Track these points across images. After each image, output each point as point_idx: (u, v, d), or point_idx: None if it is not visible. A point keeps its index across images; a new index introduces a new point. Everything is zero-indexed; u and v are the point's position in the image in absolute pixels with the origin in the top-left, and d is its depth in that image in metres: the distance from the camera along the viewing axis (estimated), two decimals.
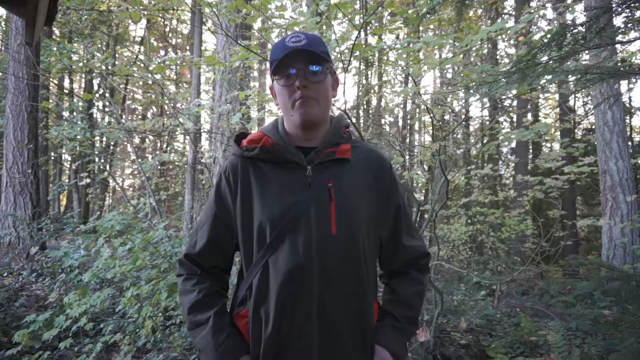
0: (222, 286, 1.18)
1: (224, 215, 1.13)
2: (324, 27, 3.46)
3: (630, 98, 12.71)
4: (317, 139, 1.13)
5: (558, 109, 11.11)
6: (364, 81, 12.29)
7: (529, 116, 10.68)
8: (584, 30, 2.17)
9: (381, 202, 1.15)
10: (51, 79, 10.03)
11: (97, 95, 12.78)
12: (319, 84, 1.08)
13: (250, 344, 1.07)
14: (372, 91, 11.98)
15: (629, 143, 8.32)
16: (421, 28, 10.93)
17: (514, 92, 3.31)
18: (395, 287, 1.19)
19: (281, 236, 1.04)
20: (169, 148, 12.59)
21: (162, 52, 16.69)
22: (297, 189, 1.08)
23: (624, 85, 9.17)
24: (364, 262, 1.08)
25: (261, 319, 1.05)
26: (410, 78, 4.34)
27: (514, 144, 11.06)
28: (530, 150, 11.14)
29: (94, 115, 11.74)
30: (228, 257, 1.18)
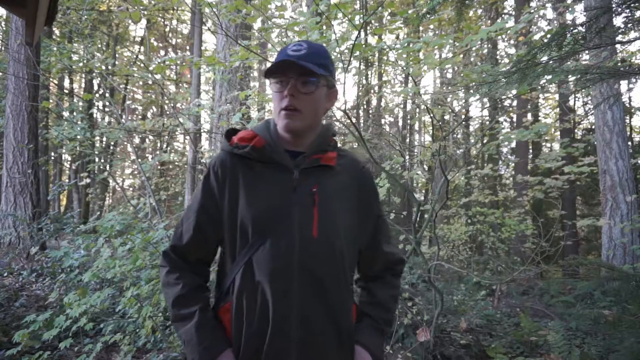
0: (205, 280, 1.21)
1: (211, 209, 1.14)
2: (324, 27, 3.45)
3: (630, 98, 12.71)
4: (305, 145, 1.15)
5: (558, 109, 11.10)
6: (364, 81, 12.28)
7: (529, 116, 10.67)
8: (584, 30, 2.17)
9: (362, 211, 1.19)
10: (51, 79, 10.03)
11: (97, 95, 12.76)
12: (307, 95, 1.09)
13: (232, 337, 1.10)
14: (372, 91, 11.97)
15: (629, 143, 8.32)
16: (421, 28, 10.94)
17: (514, 92, 3.31)
18: (372, 290, 1.24)
19: (263, 236, 1.07)
20: (169, 148, 12.59)
21: (162, 52, 16.70)
22: (283, 191, 1.10)
23: (624, 85, 9.18)
24: (342, 266, 1.12)
25: (243, 315, 1.07)
26: (410, 78, 4.34)
27: (514, 144, 11.06)
28: (530, 150, 11.12)
29: (94, 115, 11.76)
30: (212, 250, 1.20)
